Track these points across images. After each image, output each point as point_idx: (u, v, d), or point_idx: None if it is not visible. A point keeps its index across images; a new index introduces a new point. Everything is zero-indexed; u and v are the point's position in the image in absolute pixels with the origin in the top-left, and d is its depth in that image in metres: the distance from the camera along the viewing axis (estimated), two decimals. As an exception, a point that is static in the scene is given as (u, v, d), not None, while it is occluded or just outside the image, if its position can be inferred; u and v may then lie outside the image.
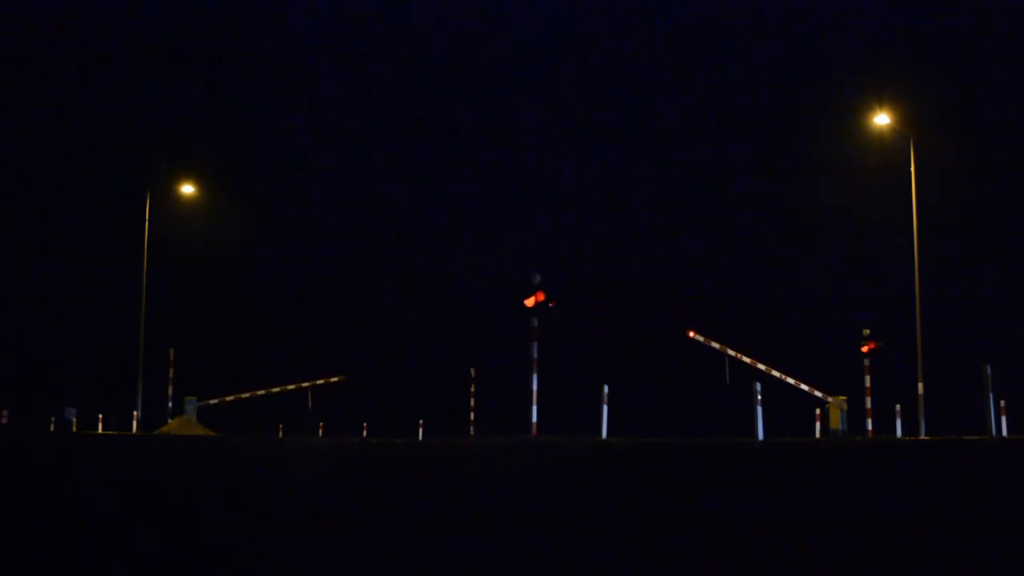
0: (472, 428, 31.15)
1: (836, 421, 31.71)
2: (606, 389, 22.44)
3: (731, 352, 29.40)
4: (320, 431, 40.93)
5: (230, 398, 35.18)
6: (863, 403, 31.08)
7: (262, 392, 36.99)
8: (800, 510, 8.67)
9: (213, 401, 34.60)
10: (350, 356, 59.83)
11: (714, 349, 29.71)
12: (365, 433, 42.47)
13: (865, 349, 31.60)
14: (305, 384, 40.36)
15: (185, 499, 9.82)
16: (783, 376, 30.91)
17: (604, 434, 21.78)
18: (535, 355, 23.39)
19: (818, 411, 32.63)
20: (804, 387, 32.19)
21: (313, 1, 68.09)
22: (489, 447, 14.00)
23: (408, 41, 69.17)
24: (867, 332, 31.90)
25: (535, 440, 19.24)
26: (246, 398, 36.08)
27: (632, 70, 67.79)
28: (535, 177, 69.04)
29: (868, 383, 31.01)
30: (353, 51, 69.12)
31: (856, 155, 42.34)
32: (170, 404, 36.64)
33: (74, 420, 36.79)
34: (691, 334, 29.18)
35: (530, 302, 22.97)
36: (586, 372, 44.40)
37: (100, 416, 40.37)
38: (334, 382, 42.07)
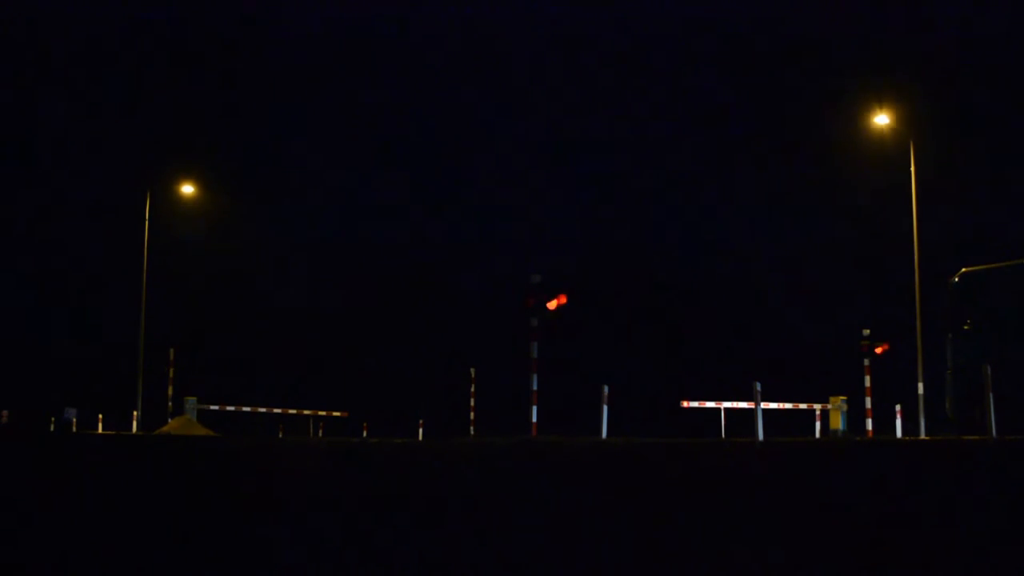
0: (472, 428, 31.14)
1: (836, 421, 31.68)
2: (606, 389, 22.40)
3: (726, 404, 29.56)
4: (320, 431, 40.96)
5: (231, 408, 35.21)
6: (863, 403, 31.06)
7: (263, 410, 37.07)
8: (800, 509, 8.69)
9: (214, 407, 34.63)
10: (350, 356, 59.91)
11: (709, 408, 29.91)
12: (365, 433, 42.48)
13: (865, 348, 31.58)
14: (307, 412, 40.46)
15: (185, 497, 9.83)
16: (780, 405, 31.03)
17: (604, 434, 21.73)
18: (535, 355, 23.34)
19: (818, 411, 32.67)
20: (803, 406, 32.29)
21: (314, 12, 68.23)
22: (489, 447, 14.01)
23: (407, 49, 69.26)
24: (867, 332, 31.86)
25: (535, 440, 19.23)
26: (247, 412, 36.13)
27: (631, 70, 67.79)
28: (536, 178, 69.02)
29: (868, 383, 30.98)
30: (353, 59, 69.28)
31: (856, 154, 42.34)
32: (170, 404, 36.65)
33: (74, 420, 36.76)
34: (684, 404, 29.41)
35: (530, 302, 22.91)
36: (586, 372, 44.44)
37: (100, 416, 40.34)
38: (336, 416, 42.20)
